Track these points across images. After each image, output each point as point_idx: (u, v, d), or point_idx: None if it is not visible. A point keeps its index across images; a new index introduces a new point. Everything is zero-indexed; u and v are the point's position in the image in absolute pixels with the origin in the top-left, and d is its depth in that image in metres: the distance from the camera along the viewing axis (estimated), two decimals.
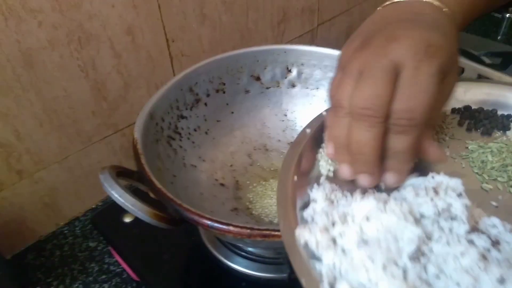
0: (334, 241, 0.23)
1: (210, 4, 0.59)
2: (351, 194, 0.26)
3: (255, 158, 0.52)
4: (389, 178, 0.27)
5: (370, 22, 0.30)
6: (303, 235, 0.24)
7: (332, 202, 0.26)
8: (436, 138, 0.34)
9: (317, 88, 0.53)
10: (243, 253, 0.45)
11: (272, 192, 0.49)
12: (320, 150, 0.31)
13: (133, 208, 0.31)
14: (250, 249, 0.45)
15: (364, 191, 0.27)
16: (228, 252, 0.45)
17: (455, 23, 0.29)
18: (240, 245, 0.44)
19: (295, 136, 0.53)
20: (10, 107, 0.46)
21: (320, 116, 0.33)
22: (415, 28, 0.26)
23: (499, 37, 0.89)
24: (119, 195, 0.31)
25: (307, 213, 0.26)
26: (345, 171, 0.28)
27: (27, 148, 0.50)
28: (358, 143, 0.26)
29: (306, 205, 0.26)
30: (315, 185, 0.28)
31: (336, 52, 0.49)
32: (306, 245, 0.24)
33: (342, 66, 0.28)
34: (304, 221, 0.26)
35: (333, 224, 0.24)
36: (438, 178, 0.26)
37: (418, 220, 0.24)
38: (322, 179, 0.29)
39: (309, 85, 0.53)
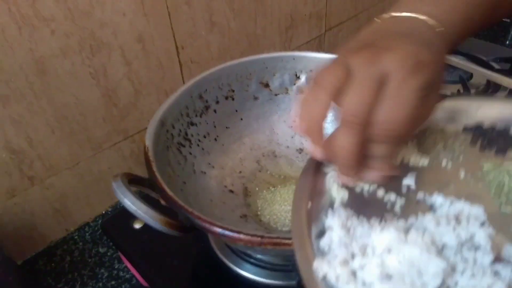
0: (354, 274, 0.23)
1: (219, 11, 0.60)
2: (368, 220, 0.26)
3: (263, 165, 0.52)
4: (370, 174, 0.29)
5: (368, 31, 0.30)
6: (321, 268, 0.23)
7: (348, 230, 0.26)
8: (448, 158, 0.33)
9: None
10: (252, 260, 0.45)
11: (280, 198, 0.49)
12: (329, 176, 0.30)
13: (145, 215, 0.31)
14: (259, 256, 0.45)
15: (381, 218, 0.26)
16: (237, 259, 0.45)
17: (446, 42, 0.30)
18: (250, 252, 0.44)
19: (304, 142, 0.54)
20: (23, 114, 0.47)
21: None
22: (408, 43, 0.27)
23: (507, 42, 0.89)
24: (132, 203, 0.31)
25: (324, 242, 0.25)
26: (317, 155, 0.29)
27: (39, 154, 0.50)
28: (340, 148, 0.27)
29: (321, 233, 0.26)
30: (330, 211, 0.27)
31: None
32: (325, 278, 0.23)
33: (336, 59, 0.28)
34: (321, 251, 0.25)
35: (353, 256, 0.24)
36: (458, 205, 0.26)
37: (440, 250, 0.24)
38: (337, 205, 0.28)
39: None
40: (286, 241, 0.30)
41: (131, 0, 0.50)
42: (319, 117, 0.27)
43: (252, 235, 0.30)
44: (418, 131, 0.34)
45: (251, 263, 0.45)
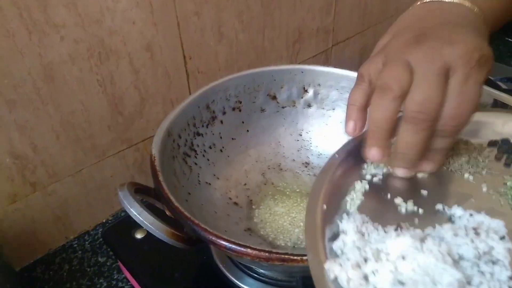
0: (366, 278, 0.23)
1: (228, 23, 0.60)
2: (383, 227, 0.26)
3: (268, 177, 0.52)
4: (427, 165, 0.30)
5: (413, 17, 0.31)
6: (333, 269, 0.23)
7: (363, 235, 0.25)
8: (471, 171, 0.33)
9: (333, 109, 0.53)
10: (255, 275, 0.44)
11: (285, 212, 0.48)
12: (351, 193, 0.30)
13: (151, 226, 0.30)
14: (262, 270, 0.44)
15: (397, 227, 0.26)
16: (240, 273, 0.45)
17: (488, 26, 0.30)
18: (253, 266, 0.44)
19: (310, 156, 0.54)
20: (29, 119, 0.46)
21: (349, 142, 0.32)
22: (469, 34, 0.27)
23: None
24: (138, 213, 0.31)
25: (337, 245, 0.25)
26: (375, 155, 0.29)
27: (42, 160, 0.50)
28: (407, 144, 0.27)
29: (335, 236, 0.26)
30: (345, 216, 0.27)
31: (353, 74, 0.49)
32: (335, 280, 0.23)
33: (389, 55, 0.28)
34: (333, 254, 0.25)
35: (366, 260, 0.23)
36: (478, 218, 0.26)
37: (456, 262, 0.23)
38: (353, 209, 0.28)
39: (325, 106, 0.53)
40: (294, 257, 0.29)
41: (142, 9, 0.50)
42: (390, 122, 0.27)
43: (260, 250, 0.30)
44: None
45: (254, 278, 0.44)
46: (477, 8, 0.30)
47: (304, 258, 0.29)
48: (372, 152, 0.28)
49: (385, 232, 0.25)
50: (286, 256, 0.29)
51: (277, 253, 0.30)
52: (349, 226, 0.26)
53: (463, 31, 0.27)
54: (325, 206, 0.27)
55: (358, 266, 0.23)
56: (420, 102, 0.26)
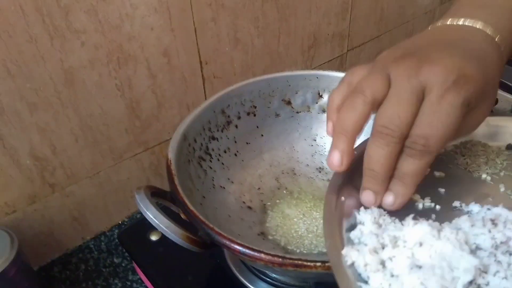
0: (383, 263, 0.23)
1: (244, 29, 0.61)
2: (400, 220, 0.26)
3: (282, 182, 0.52)
4: (389, 199, 0.27)
5: (418, 38, 0.30)
6: (350, 255, 0.23)
7: (380, 226, 0.26)
8: (489, 172, 0.32)
9: None
10: (267, 279, 0.44)
11: (298, 217, 0.48)
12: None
13: (166, 230, 0.31)
14: (274, 275, 0.44)
15: (415, 217, 0.26)
16: (253, 277, 0.45)
17: (502, 53, 0.28)
18: (266, 271, 0.44)
19: (324, 161, 0.54)
20: (49, 122, 0.48)
21: (366, 140, 0.32)
22: (453, 55, 0.26)
23: None
24: (154, 216, 0.31)
25: (354, 234, 0.25)
26: (335, 160, 0.27)
27: (61, 162, 0.51)
28: (370, 158, 0.26)
29: (352, 227, 0.26)
30: (362, 208, 0.27)
31: None
32: (352, 265, 0.23)
33: (375, 66, 0.28)
34: (351, 242, 0.25)
35: (383, 247, 0.24)
36: (496, 210, 0.26)
37: (473, 251, 0.24)
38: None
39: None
40: (308, 263, 0.29)
41: (160, 15, 0.51)
42: (355, 126, 0.26)
43: (273, 255, 0.30)
44: (460, 142, 0.34)
45: (268, 282, 0.44)
46: (491, 28, 0.28)
47: (318, 264, 0.29)
48: (334, 157, 0.27)
49: (401, 224, 0.25)
50: (300, 262, 0.30)
51: (290, 258, 0.30)
52: (367, 217, 0.26)
53: (450, 52, 0.26)
54: (343, 198, 0.28)
55: (375, 251, 0.23)
56: (388, 116, 0.25)
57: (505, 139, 0.35)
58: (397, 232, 0.24)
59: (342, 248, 0.24)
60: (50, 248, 0.56)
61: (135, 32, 0.50)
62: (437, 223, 0.25)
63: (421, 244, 0.23)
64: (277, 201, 0.50)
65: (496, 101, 0.68)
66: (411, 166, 0.26)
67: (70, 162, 0.52)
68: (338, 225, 0.26)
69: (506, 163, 0.33)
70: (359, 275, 0.23)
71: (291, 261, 0.30)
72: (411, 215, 0.26)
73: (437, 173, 0.32)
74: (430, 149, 0.25)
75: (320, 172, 0.53)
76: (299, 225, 0.47)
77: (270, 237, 0.46)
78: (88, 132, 0.51)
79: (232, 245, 0.31)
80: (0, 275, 0.43)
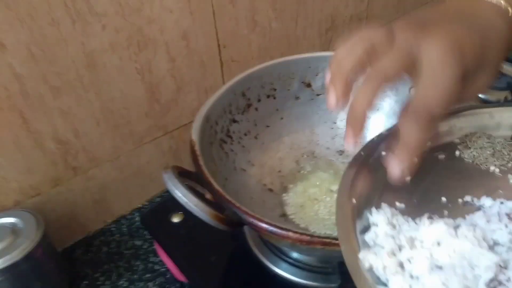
0: (401, 266, 0.23)
1: (262, 11, 0.60)
2: (413, 219, 0.26)
3: (303, 165, 0.52)
4: (391, 166, 0.27)
5: (431, 10, 0.30)
6: (367, 258, 0.23)
7: (394, 226, 0.25)
8: (497, 164, 0.32)
9: None
10: (289, 260, 0.45)
11: (319, 200, 0.48)
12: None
13: (196, 208, 0.31)
14: (296, 256, 0.44)
15: (430, 216, 0.26)
16: (274, 258, 0.45)
17: None
18: (288, 251, 0.44)
19: (344, 144, 0.53)
20: (71, 106, 0.48)
21: (373, 140, 0.32)
22: (456, 24, 0.27)
23: None
24: (183, 195, 0.32)
25: (369, 237, 0.25)
26: (333, 103, 0.28)
27: (83, 146, 0.51)
28: (356, 98, 0.27)
29: (366, 229, 0.26)
30: (374, 209, 0.27)
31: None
32: (370, 269, 0.23)
33: (392, 28, 0.29)
34: (366, 245, 0.25)
35: (400, 248, 0.23)
36: (510, 204, 0.25)
37: (492, 247, 0.23)
38: (382, 203, 0.28)
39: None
40: (336, 241, 0.30)
41: None
42: (348, 67, 0.27)
43: (301, 234, 0.30)
44: (465, 135, 0.34)
45: (289, 263, 0.44)
46: (506, 3, 0.29)
47: None
48: (330, 97, 0.28)
49: (415, 223, 0.25)
50: (328, 240, 0.30)
51: (318, 236, 0.30)
52: (380, 218, 0.26)
53: (456, 22, 0.27)
54: (354, 200, 0.27)
55: (393, 253, 0.23)
56: (381, 66, 0.26)
57: (509, 129, 0.34)
58: (413, 232, 0.24)
59: (358, 251, 0.24)
60: (72, 231, 0.57)
61: (155, 15, 0.50)
62: (452, 220, 0.25)
63: (439, 244, 0.23)
64: (298, 183, 0.50)
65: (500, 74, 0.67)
66: (414, 131, 0.27)
67: (92, 145, 0.52)
68: (352, 228, 0.26)
69: None
70: (378, 278, 0.23)
71: (319, 239, 0.30)
72: (426, 214, 0.26)
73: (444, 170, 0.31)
74: (433, 110, 0.26)
75: (340, 155, 0.53)
76: (320, 208, 0.47)
77: (291, 219, 0.46)
78: (109, 116, 0.52)
79: (259, 223, 0.31)
80: (27, 256, 0.44)
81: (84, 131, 0.51)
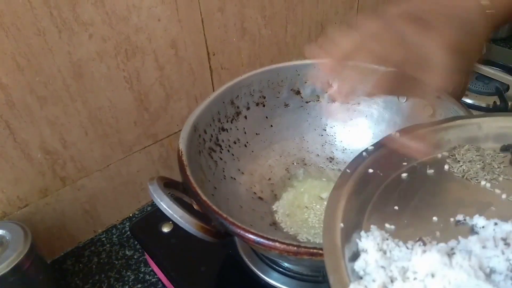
0: None
1: (251, 19, 0.60)
2: (404, 243, 0.25)
3: (293, 173, 0.52)
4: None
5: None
6: None
7: (385, 252, 0.24)
8: (488, 178, 0.31)
9: (358, 103, 0.52)
10: (280, 269, 0.44)
11: (309, 207, 0.48)
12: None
13: (180, 219, 0.31)
14: (287, 265, 0.44)
15: (419, 240, 0.25)
16: (265, 267, 0.45)
17: (490, 24, 0.31)
18: (279, 261, 0.44)
19: (334, 151, 0.53)
20: (59, 115, 0.48)
21: (359, 156, 0.32)
22: (450, 28, 0.29)
23: None
24: (168, 207, 0.31)
25: (358, 265, 0.24)
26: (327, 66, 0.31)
27: (71, 155, 0.51)
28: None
29: (355, 256, 0.25)
30: (363, 233, 0.26)
31: (379, 68, 0.48)
32: None
33: (383, 15, 0.31)
34: (356, 275, 0.24)
35: (392, 280, 0.22)
36: (505, 227, 0.25)
37: (488, 275, 0.22)
38: (371, 226, 0.27)
39: (349, 100, 0.52)
40: (322, 252, 0.29)
41: (166, 6, 0.50)
42: (345, 48, 0.30)
43: (288, 244, 0.30)
44: (453, 147, 0.33)
45: (280, 272, 0.44)
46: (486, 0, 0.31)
47: None
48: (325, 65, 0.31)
49: (407, 248, 0.24)
50: (315, 251, 0.29)
51: (305, 247, 0.30)
52: (369, 244, 0.25)
53: (449, 25, 0.29)
54: (342, 224, 0.26)
55: (385, 287, 0.22)
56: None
57: (498, 140, 0.33)
58: (405, 262, 0.23)
59: (348, 284, 0.23)
60: (62, 241, 0.56)
61: (143, 23, 0.49)
62: (445, 246, 0.24)
63: (433, 275, 0.22)
64: (288, 191, 0.50)
65: (508, 88, 0.67)
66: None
67: (81, 155, 0.52)
68: (341, 257, 0.24)
69: (503, 167, 0.31)
70: None
71: (306, 249, 0.29)
72: (417, 238, 0.25)
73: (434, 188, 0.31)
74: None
75: (330, 162, 0.53)
76: (310, 215, 0.47)
77: (280, 228, 0.45)
78: (98, 125, 0.51)
79: (247, 234, 0.31)
80: (15, 268, 0.43)
81: (72, 141, 0.50)
